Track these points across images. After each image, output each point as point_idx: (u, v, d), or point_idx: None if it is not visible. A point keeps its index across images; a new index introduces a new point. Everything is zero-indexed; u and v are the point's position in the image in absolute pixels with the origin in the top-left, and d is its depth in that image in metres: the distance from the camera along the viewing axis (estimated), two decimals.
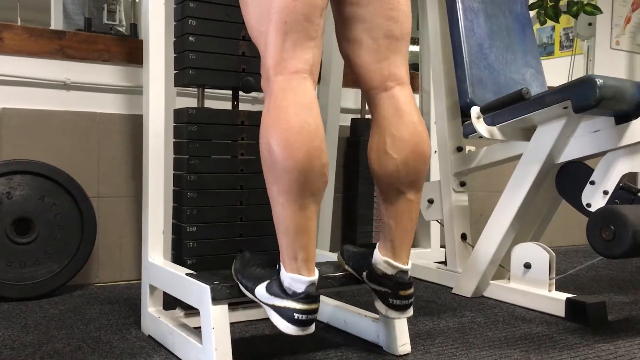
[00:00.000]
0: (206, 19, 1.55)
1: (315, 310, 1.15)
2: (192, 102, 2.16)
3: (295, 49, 1.13)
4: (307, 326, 1.15)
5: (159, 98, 1.47)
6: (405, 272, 1.28)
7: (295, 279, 1.14)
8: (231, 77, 1.60)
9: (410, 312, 1.30)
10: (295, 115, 1.10)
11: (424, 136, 1.24)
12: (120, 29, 2.58)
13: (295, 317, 1.13)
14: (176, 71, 1.60)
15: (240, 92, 1.69)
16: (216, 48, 1.57)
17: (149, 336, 1.49)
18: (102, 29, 2.47)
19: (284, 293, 1.15)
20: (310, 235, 1.13)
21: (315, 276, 1.15)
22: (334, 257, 1.64)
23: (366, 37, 1.24)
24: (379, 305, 1.31)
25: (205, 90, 1.75)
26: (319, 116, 1.12)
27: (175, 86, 1.62)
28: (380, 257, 1.28)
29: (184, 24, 1.54)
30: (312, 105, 1.12)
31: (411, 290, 1.28)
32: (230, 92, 1.95)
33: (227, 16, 1.58)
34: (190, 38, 1.53)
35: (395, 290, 1.27)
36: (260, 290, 1.19)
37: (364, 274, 1.32)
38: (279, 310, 1.15)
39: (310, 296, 1.13)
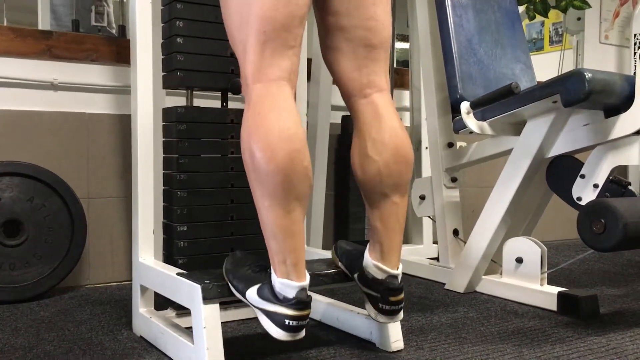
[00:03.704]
0: (194, 20, 1.54)
1: (306, 317, 1.15)
2: (181, 101, 2.15)
3: (274, 57, 1.14)
4: (298, 332, 1.15)
5: (147, 97, 1.46)
6: (395, 276, 1.27)
7: (285, 284, 1.13)
8: (220, 78, 1.59)
9: (399, 317, 1.30)
10: (274, 120, 1.11)
11: (404, 139, 1.26)
12: (110, 29, 2.56)
13: (286, 323, 1.13)
14: (164, 73, 1.59)
15: (230, 94, 1.68)
16: (204, 49, 1.56)
17: (141, 337, 1.48)
18: (90, 30, 2.45)
19: (275, 298, 1.14)
20: (297, 238, 1.13)
21: (305, 281, 1.15)
22: (326, 254, 1.64)
23: (346, 46, 1.26)
24: (369, 308, 1.31)
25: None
26: (299, 121, 1.13)
27: (163, 88, 1.61)
28: (370, 261, 1.28)
29: (172, 26, 1.53)
30: (291, 110, 1.13)
31: (401, 296, 1.28)
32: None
33: (215, 17, 1.57)
34: (178, 39, 1.52)
35: (385, 295, 1.27)
36: (252, 294, 1.19)
37: (356, 275, 1.33)
38: (269, 314, 1.15)
39: (300, 302, 1.13)
